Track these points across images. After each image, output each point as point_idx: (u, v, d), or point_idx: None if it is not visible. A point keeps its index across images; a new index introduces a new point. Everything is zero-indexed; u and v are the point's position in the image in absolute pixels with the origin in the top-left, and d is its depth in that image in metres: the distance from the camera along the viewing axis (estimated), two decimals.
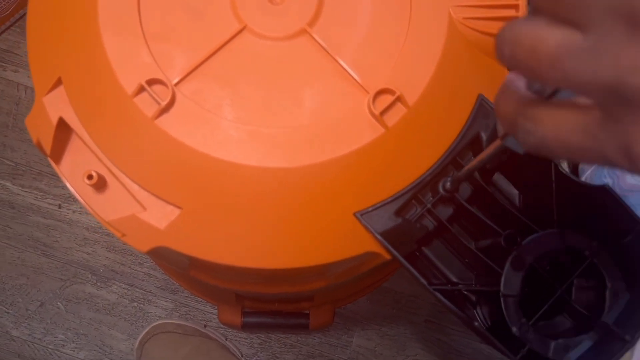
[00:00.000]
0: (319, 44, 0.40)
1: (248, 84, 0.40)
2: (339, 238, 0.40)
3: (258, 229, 0.40)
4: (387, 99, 0.39)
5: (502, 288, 0.39)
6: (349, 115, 0.39)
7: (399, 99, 0.39)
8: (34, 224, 0.81)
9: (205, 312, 0.80)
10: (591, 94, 0.19)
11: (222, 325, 0.78)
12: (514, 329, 0.38)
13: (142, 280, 0.80)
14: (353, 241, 0.41)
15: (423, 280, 0.39)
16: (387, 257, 0.41)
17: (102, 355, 0.78)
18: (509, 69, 0.21)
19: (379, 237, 0.40)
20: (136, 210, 0.40)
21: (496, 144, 0.31)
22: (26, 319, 0.79)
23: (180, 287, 0.80)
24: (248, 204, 0.39)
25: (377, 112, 0.39)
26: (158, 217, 0.40)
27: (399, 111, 0.39)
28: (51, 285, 0.79)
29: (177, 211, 0.40)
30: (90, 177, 0.40)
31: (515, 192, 0.45)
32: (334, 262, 0.41)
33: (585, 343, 0.38)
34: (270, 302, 0.72)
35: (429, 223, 0.42)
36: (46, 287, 0.79)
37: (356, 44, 0.41)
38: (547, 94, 0.22)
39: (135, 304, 0.79)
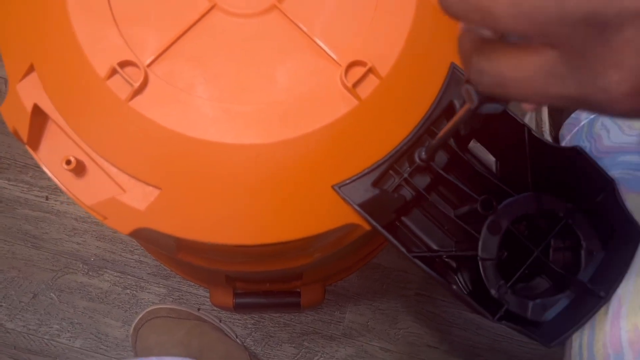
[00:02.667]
0: (289, 19, 0.41)
1: (220, 62, 0.40)
2: (318, 211, 0.41)
3: (237, 205, 0.40)
4: (359, 70, 0.40)
5: (479, 252, 0.39)
6: (322, 89, 0.40)
7: (371, 70, 0.40)
8: (22, 217, 0.81)
9: (198, 296, 0.80)
10: (553, 31, 0.18)
11: (215, 308, 0.79)
12: (493, 291, 0.39)
13: (134, 267, 0.80)
14: (333, 214, 0.41)
15: (402, 248, 0.40)
16: (367, 227, 0.41)
17: (98, 342, 0.79)
18: (459, 19, 0.21)
19: (357, 208, 0.40)
20: (116, 192, 0.40)
21: (465, 108, 0.31)
22: (20, 311, 0.79)
23: (172, 273, 0.80)
24: (226, 181, 0.40)
25: (349, 85, 0.39)
26: (138, 198, 0.40)
27: (371, 82, 0.40)
28: (43, 276, 0.80)
29: (156, 192, 0.40)
30: (68, 162, 0.40)
31: (492, 159, 0.45)
32: (315, 235, 0.41)
33: (562, 302, 0.39)
34: (261, 282, 0.73)
35: (407, 193, 0.42)
36: (38, 278, 0.80)
37: (326, 17, 0.41)
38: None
39: (128, 291, 0.80)
